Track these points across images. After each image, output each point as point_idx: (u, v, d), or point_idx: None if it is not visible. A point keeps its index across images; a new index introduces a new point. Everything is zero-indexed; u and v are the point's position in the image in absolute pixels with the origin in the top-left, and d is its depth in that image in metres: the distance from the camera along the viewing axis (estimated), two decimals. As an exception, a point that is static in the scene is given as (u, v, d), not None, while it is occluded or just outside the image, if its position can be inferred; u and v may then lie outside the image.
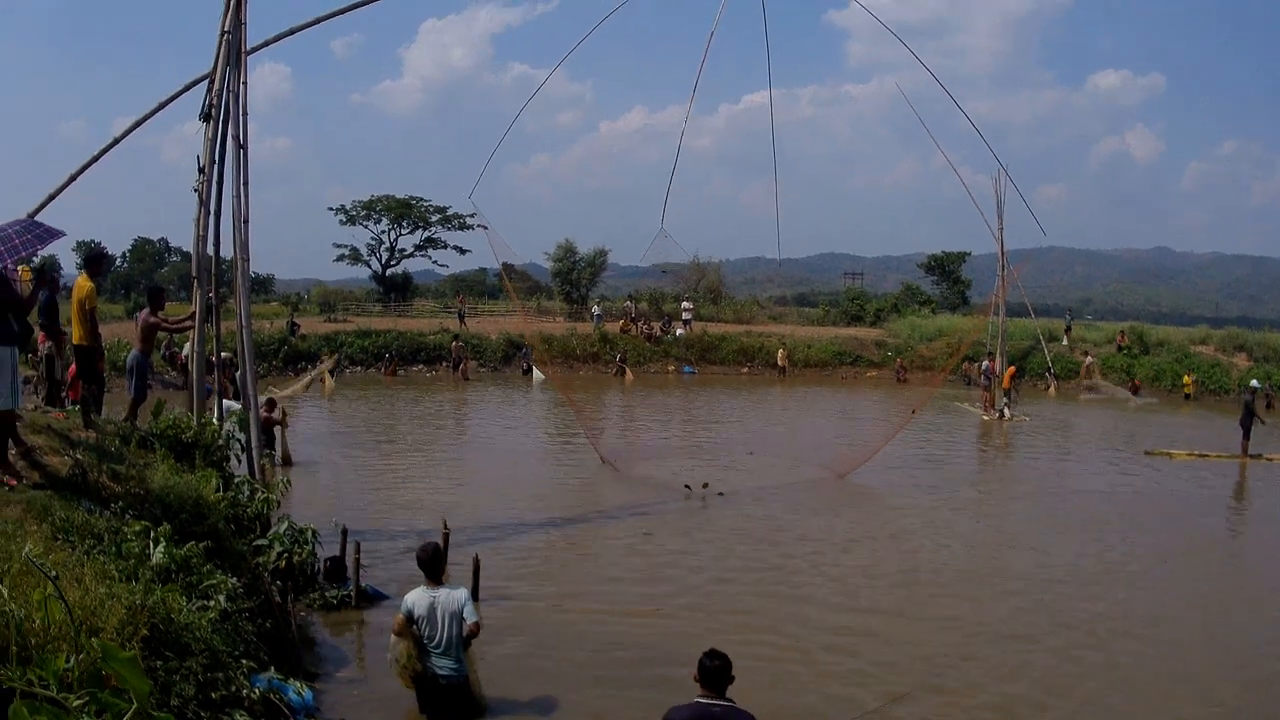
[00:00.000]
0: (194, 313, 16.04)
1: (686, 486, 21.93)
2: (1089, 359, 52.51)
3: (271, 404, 22.89)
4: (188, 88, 17.02)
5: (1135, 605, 15.14)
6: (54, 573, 5.28)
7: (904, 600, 15.04)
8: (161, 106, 17.00)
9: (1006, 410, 37.19)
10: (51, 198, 15.64)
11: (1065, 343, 56.74)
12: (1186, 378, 49.68)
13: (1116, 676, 12.19)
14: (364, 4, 18.70)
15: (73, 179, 16.01)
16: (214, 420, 15.86)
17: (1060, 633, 13.58)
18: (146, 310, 15.69)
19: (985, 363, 41.72)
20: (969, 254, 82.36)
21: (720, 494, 21.64)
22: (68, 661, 3.91)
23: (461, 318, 58.57)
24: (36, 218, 14.02)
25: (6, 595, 5.12)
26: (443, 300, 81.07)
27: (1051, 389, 49.87)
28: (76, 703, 3.46)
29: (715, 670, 7.13)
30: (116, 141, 16.79)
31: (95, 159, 16.40)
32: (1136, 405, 45.16)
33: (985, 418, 37.79)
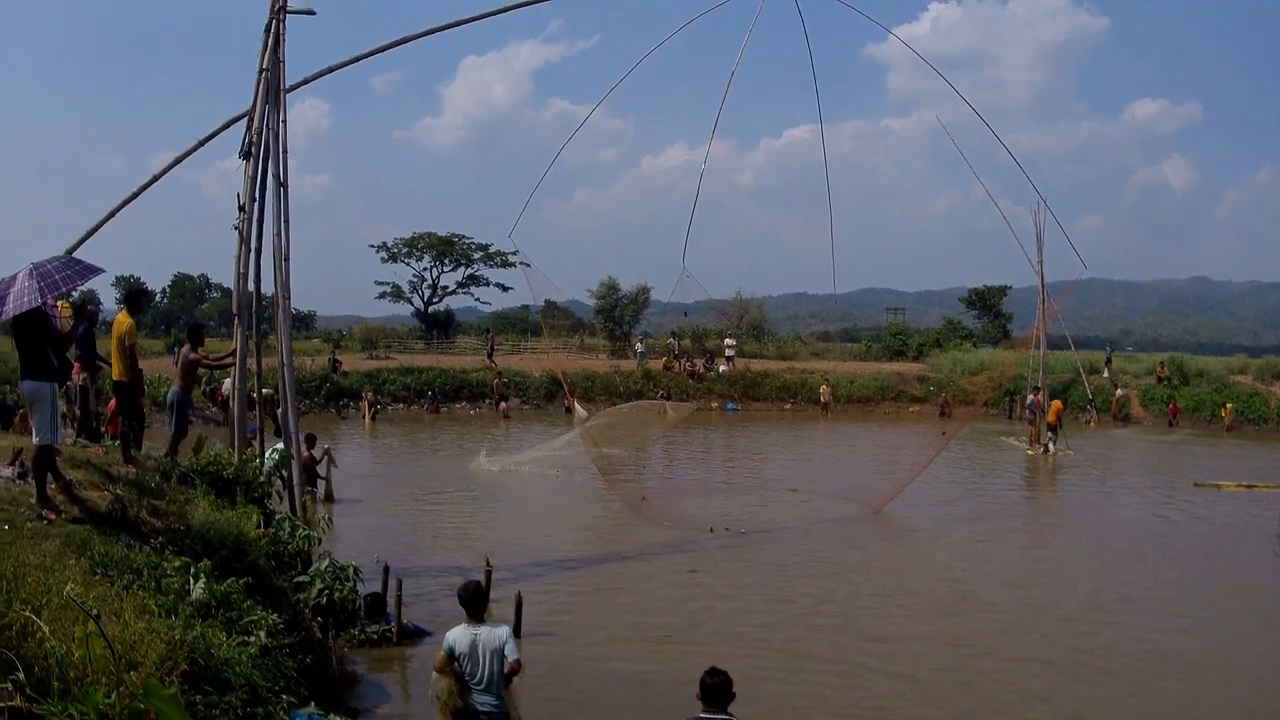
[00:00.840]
0: (235, 349, 16.07)
1: (711, 530, 21.58)
2: (1119, 392, 52.13)
3: (311, 440, 22.89)
4: (226, 125, 17.10)
5: (1185, 640, 14.87)
6: (95, 610, 5.24)
7: (944, 633, 14.82)
8: (200, 144, 17.09)
9: (1051, 445, 36.75)
10: (90, 234, 15.71)
11: (1106, 375, 56.35)
12: (1225, 408, 49.32)
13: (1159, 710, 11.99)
14: (400, 44, 18.82)
15: (111, 215, 16.07)
16: (255, 457, 15.84)
17: (1102, 667, 13.35)
18: (187, 347, 15.68)
19: (1030, 397, 41.23)
20: (1009, 288, 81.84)
21: (743, 532, 21.43)
22: (108, 696, 3.87)
23: (490, 354, 58.51)
24: (75, 254, 14.09)
25: (48, 632, 5.08)
26: (485, 337, 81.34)
27: (1093, 422, 49.31)
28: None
29: (715, 687, 7.27)
30: (155, 179, 16.86)
31: (134, 196, 16.47)
32: (1177, 437, 44.83)
33: (1030, 452, 37.38)
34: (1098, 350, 64.43)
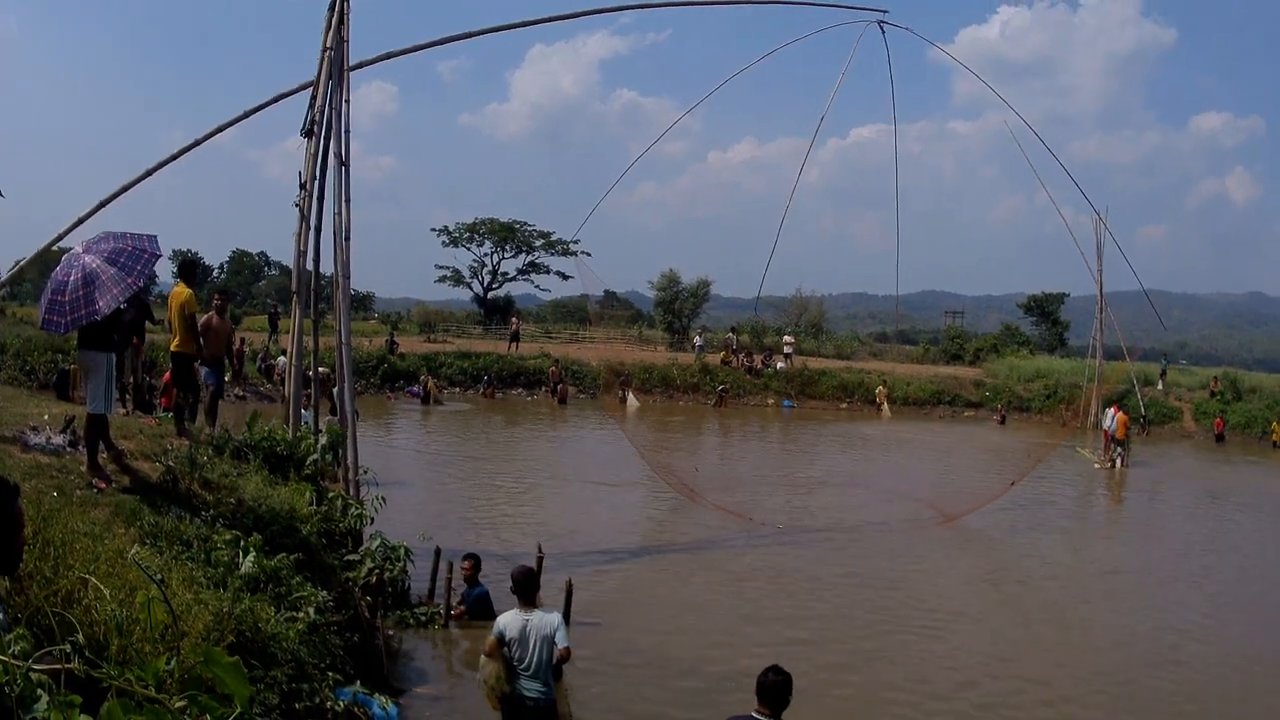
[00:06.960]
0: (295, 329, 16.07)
1: (750, 519, 21.42)
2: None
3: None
4: (278, 98, 16.99)
5: None
6: (160, 576, 5.21)
7: (1014, 651, 14.62)
8: (247, 115, 16.88)
9: (1119, 461, 35.74)
10: (125, 189, 15.61)
11: (1160, 387, 55.81)
12: (1275, 425, 48.76)
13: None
14: (462, 38, 18.89)
15: (149, 173, 15.89)
16: (310, 434, 15.82)
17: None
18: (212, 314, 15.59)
19: (1110, 410, 39.68)
20: (1067, 295, 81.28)
21: (780, 529, 21.19)
22: (168, 663, 3.82)
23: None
24: (108, 207, 14.09)
25: (108, 595, 5.05)
26: (544, 325, 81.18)
27: (1146, 434, 48.32)
28: (179, 704, 3.36)
29: (772, 686, 6.99)
30: (196, 143, 16.63)
31: (175, 157, 16.33)
32: (1227, 453, 44.61)
33: (1097, 466, 36.40)
34: (1153, 362, 63.53)
